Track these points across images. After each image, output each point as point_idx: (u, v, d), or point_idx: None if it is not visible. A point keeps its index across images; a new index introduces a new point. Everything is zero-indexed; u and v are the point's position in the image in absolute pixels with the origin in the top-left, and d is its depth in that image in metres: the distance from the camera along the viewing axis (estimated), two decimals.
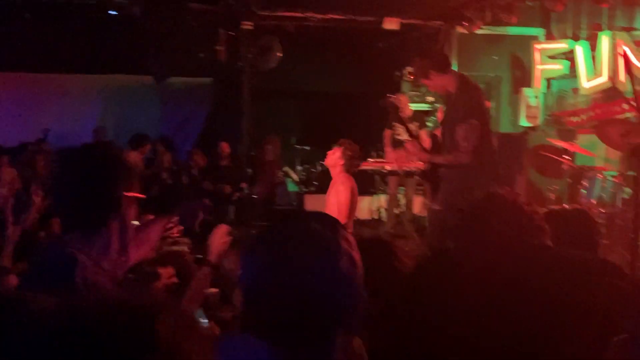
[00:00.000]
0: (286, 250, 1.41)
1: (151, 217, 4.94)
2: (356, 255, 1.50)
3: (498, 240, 1.95)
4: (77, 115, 11.38)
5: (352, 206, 5.80)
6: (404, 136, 8.75)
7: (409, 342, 1.81)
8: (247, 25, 9.74)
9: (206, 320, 4.03)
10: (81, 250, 1.88)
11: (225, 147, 10.18)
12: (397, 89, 10.29)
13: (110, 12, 9.65)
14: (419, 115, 9.18)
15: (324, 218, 1.51)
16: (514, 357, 1.72)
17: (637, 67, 8.27)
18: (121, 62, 10.44)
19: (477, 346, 1.71)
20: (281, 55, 10.04)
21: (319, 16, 9.86)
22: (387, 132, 8.96)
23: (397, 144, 8.83)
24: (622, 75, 8.44)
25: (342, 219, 5.63)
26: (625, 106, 8.82)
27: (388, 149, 9.03)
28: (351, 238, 1.52)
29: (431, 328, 1.78)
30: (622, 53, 4.28)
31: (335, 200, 5.77)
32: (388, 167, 8.80)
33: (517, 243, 1.94)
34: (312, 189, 10.97)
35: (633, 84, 2.85)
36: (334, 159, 6.11)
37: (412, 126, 8.62)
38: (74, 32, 10.06)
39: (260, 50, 9.86)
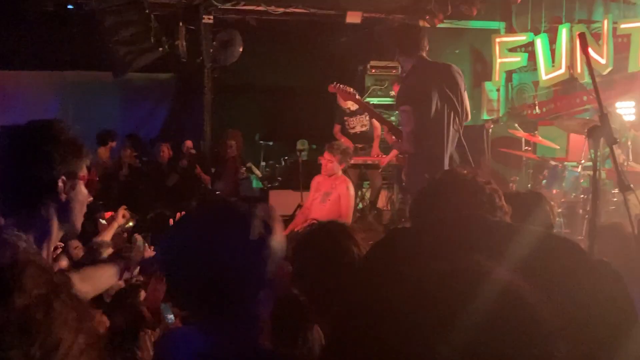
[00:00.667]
0: (196, 224, 1.54)
1: (110, 214, 4.88)
2: (274, 223, 1.56)
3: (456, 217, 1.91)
4: (34, 113, 11.11)
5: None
6: (357, 128, 8.75)
7: (365, 327, 1.75)
8: (208, 19, 9.62)
9: (172, 316, 3.95)
10: (18, 236, 1.79)
11: (190, 145, 10.08)
12: (360, 83, 10.28)
13: (68, 7, 9.47)
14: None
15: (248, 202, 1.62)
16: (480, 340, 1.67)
17: (594, 59, 8.38)
18: (79, 58, 10.25)
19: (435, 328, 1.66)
20: (242, 49, 9.95)
21: (281, 10, 9.78)
22: (336, 127, 8.94)
23: (353, 137, 8.78)
24: (580, 67, 8.55)
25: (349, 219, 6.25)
26: (585, 98, 8.94)
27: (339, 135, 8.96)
28: (274, 214, 1.59)
29: (387, 310, 1.71)
30: (579, 33, 4.29)
31: (346, 204, 6.29)
32: (352, 161, 8.76)
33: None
34: (276, 184, 10.90)
35: (591, 74, 2.84)
36: (333, 166, 6.29)
37: (363, 117, 8.64)
38: (30, 28, 9.83)
39: (221, 45, 9.75)
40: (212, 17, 9.58)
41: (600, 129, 2.63)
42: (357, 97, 7.01)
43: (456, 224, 1.82)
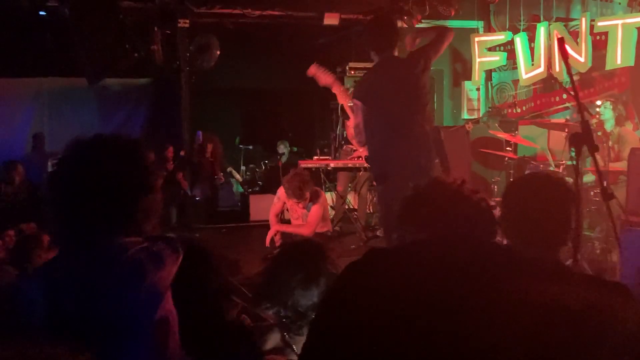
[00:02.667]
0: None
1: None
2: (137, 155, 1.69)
3: (441, 229, 1.83)
4: (10, 120, 10.97)
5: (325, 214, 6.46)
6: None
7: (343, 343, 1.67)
8: (184, 23, 9.50)
9: None
10: None
11: (171, 151, 9.96)
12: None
13: (40, 12, 9.30)
14: None
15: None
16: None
17: (572, 57, 8.37)
18: (53, 64, 10.08)
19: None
20: (220, 53, 9.84)
21: (258, 12, 9.68)
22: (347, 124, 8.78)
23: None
24: (558, 66, 8.54)
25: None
26: (565, 96, 8.94)
27: (345, 147, 8.85)
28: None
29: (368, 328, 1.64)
30: (558, 37, 4.26)
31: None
32: (332, 164, 8.68)
33: (463, 233, 1.82)
34: (257, 189, 10.82)
35: (569, 73, 2.78)
36: (305, 203, 6.23)
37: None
38: (3, 34, 9.66)
39: (198, 49, 9.64)
40: (188, 21, 9.46)
41: (582, 136, 2.57)
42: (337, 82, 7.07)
43: (440, 250, 1.75)
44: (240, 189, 11.13)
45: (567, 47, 8.36)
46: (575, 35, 8.57)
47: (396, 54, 4.98)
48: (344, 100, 8.10)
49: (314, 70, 6.54)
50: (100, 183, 1.62)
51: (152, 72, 10.56)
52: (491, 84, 10.20)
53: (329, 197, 9.73)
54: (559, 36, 7.69)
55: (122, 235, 1.63)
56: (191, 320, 1.83)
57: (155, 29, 9.19)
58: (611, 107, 7.14)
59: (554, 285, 1.66)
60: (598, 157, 2.71)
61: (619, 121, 7.17)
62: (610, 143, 7.01)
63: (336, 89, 6.72)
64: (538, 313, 1.59)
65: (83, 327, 1.51)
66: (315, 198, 6.32)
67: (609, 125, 7.02)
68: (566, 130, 6.90)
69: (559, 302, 1.58)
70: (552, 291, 1.61)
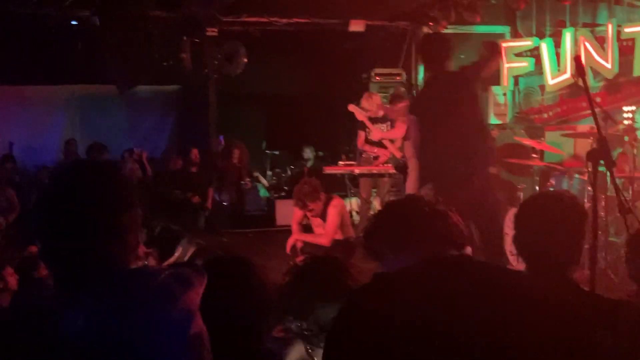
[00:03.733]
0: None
1: None
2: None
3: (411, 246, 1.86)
4: (41, 127, 11.20)
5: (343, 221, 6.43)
6: (373, 135, 8.70)
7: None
8: (212, 31, 9.66)
9: None
10: None
11: (195, 154, 10.08)
12: (365, 91, 10.25)
13: (71, 22, 9.52)
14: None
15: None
16: None
17: (598, 62, 8.34)
18: (85, 72, 10.29)
19: None
20: (247, 60, 9.97)
21: (284, 20, 9.81)
22: (360, 133, 8.84)
23: (369, 144, 8.76)
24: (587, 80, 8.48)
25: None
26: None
27: (366, 147, 8.88)
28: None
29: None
30: (575, 57, 4.30)
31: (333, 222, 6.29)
32: (357, 170, 8.75)
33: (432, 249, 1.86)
34: (283, 194, 10.90)
35: (586, 88, 2.81)
36: (320, 208, 6.27)
37: (384, 126, 8.59)
38: (35, 43, 9.88)
39: (226, 56, 9.79)
40: (216, 29, 9.61)
41: (599, 152, 2.61)
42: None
43: (446, 272, 1.80)
44: (267, 194, 11.24)
45: (593, 53, 8.35)
46: (601, 41, 8.52)
47: (450, 68, 5.02)
48: (364, 117, 8.24)
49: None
50: (82, 204, 1.68)
51: (181, 79, 10.73)
52: (518, 89, 10.18)
53: (355, 202, 9.80)
54: (575, 54, 7.66)
55: (112, 251, 1.70)
56: (225, 338, 1.89)
57: (184, 37, 9.35)
58: None
59: (558, 304, 1.70)
60: (627, 167, 2.74)
61: None
62: None
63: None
64: (549, 332, 1.64)
65: (122, 355, 1.58)
66: (329, 206, 6.29)
67: None
68: (591, 139, 6.88)
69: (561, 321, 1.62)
70: (555, 310, 1.65)
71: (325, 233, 6.30)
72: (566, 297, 1.87)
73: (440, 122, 4.79)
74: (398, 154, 8.38)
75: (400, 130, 7.93)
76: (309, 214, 6.33)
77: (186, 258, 5.25)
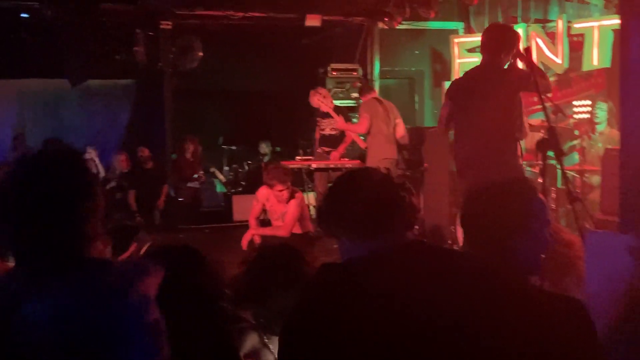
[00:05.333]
0: None
1: None
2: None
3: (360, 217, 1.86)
4: None
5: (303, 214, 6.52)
6: (327, 130, 8.75)
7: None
8: (166, 24, 9.55)
9: None
10: None
11: (145, 151, 9.98)
12: (321, 86, 10.29)
13: (22, 14, 9.31)
14: (344, 111, 9.20)
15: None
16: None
17: (549, 58, 8.52)
18: (36, 65, 10.06)
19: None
20: (203, 54, 9.90)
21: (240, 14, 9.76)
22: (316, 129, 8.89)
23: (322, 139, 8.80)
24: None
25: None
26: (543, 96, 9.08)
27: (317, 149, 8.95)
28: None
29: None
30: (524, 48, 4.34)
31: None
32: (314, 165, 8.77)
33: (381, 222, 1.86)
34: (240, 189, 10.87)
35: (536, 81, 2.88)
36: (286, 194, 6.30)
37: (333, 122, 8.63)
38: None
39: (181, 50, 9.70)
40: (170, 23, 9.52)
41: (548, 142, 2.68)
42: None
43: (390, 260, 1.81)
44: (224, 189, 11.19)
45: (544, 48, 8.53)
46: (552, 36, 8.71)
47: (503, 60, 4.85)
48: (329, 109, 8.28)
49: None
50: (44, 193, 1.68)
51: (135, 73, 10.58)
52: None
53: (312, 197, 9.82)
54: (525, 47, 7.79)
55: (70, 240, 1.70)
56: (182, 326, 1.89)
57: (138, 30, 9.23)
58: (606, 108, 7.24)
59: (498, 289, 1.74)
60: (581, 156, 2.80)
61: (610, 121, 7.28)
62: (600, 144, 7.15)
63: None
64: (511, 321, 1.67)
65: (83, 343, 1.58)
66: (292, 197, 6.38)
67: (602, 126, 7.13)
68: (541, 132, 7.03)
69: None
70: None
71: (284, 225, 6.31)
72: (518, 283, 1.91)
73: (476, 110, 4.67)
74: (362, 144, 8.45)
75: (364, 124, 7.95)
76: (284, 195, 6.29)
77: (141, 253, 5.21)
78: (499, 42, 4.82)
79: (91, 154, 9.42)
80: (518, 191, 2.11)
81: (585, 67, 8.43)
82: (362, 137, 8.45)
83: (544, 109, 2.83)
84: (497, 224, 2.04)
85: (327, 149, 8.77)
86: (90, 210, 1.71)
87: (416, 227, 1.94)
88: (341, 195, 1.92)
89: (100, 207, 1.75)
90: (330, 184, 2.14)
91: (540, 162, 6.74)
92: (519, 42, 5.00)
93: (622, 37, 2.68)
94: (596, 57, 8.35)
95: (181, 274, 1.98)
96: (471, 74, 4.98)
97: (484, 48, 4.95)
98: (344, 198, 1.90)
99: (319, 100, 8.44)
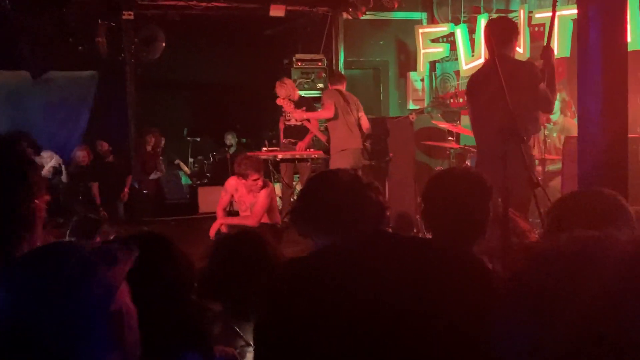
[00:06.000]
0: None
1: None
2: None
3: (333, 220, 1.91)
4: None
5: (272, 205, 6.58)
6: (293, 121, 8.75)
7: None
8: (128, 15, 9.43)
9: None
10: None
11: (104, 145, 9.87)
12: (286, 77, 10.28)
13: None
14: (308, 101, 9.21)
15: None
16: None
17: None
18: None
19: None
20: (166, 45, 9.81)
21: (203, 4, 9.67)
22: (281, 119, 8.90)
23: (288, 130, 8.80)
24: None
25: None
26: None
27: (282, 139, 8.96)
28: None
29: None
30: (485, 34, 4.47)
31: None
32: (280, 156, 8.78)
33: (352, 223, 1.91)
34: (205, 181, 10.83)
35: (497, 67, 2.93)
36: (259, 184, 6.29)
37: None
38: None
39: (143, 41, 9.59)
40: (132, 13, 9.40)
41: (508, 129, 2.72)
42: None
43: (353, 252, 1.85)
44: (188, 181, 11.13)
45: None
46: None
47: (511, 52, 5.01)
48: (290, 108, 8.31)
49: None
50: None
51: (97, 64, 10.44)
52: (435, 74, 10.42)
53: (278, 188, 9.83)
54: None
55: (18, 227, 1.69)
56: (151, 314, 1.89)
57: (99, 21, 9.11)
58: (559, 97, 7.36)
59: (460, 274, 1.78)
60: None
61: (563, 110, 7.40)
62: (555, 134, 7.28)
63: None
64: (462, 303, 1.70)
65: (43, 331, 1.57)
66: (265, 187, 6.40)
67: (556, 116, 7.25)
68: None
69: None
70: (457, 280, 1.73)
71: (253, 214, 6.30)
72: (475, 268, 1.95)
73: (487, 102, 4.70)
74: (322, 137, 8.48)
75: (330, 109, 7.97)
76: (258, 184, 6.29)
77: None
78: (500, 34, 4.97)
79: (51, 158, 9.30)
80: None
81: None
82: (324, 132, 8.50)
83: (505, 96, 2.87)
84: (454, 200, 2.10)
85: (292, 140, 8.78)
86: (25, 196, 1.70)
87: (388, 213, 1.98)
88: (312, 197, 1.98)
89: (39, 195, 1.73)
90: (302, 182, 2.23)
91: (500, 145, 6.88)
92: (517, 30, 5.18)
93: (580, 27, 2.74)
94: (556, 46, 8.47)
95: (148, 261, 1.97)
96: (482, 70, 5.09)
97: (488, 43, 5.12)
98: (314, 200, 1.95)
99: (282, 96, 8.46)
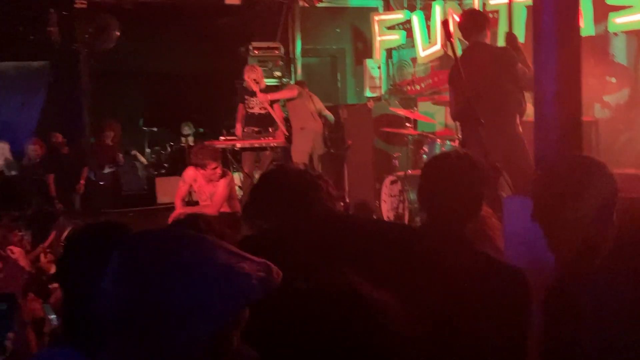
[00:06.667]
0: None
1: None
2: None
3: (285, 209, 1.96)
4: None
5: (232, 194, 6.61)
6: (256, 109, 8.71)
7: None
8: (81, 4, 9.25)
9: (54, 316, 3.90)
10: None
11: (59, 137, 9.69)
12: (243, 65, 10.21)
13: None
14: (272, 89, 9.20)
15: None
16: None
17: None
18: None
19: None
20: (121, 34, 9.66)
21: None
22: (240, 106, 8.82)
23: (250, 118, 8.75)
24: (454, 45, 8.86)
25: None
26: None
27: (238, 125, 8.89)
28: None
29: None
30: (442, 21, 4.61)
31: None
32: (239, 145, 8.72)
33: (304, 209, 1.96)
34: (163, 171, 10.73)
35: (454, 52, 2.97)
36: (218, 173, 6.26)
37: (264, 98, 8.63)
38: None
39: (97, 30, 9.43)
40: (85, 2, 9.22)
41: (465, 112, 2.77)
42: None
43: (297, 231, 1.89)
44: (146, 172, 11.02)
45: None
46: None
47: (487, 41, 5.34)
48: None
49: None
50: None
51: (50, 54, 10.23)
52: (392, 62, 10.47)
53: (238, 177, 9.79)
54: (442, 19, 8.04)
55: None
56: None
57: (52, 10, 8.91)
58: None
59: (452, 257, 1.82)
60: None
61: None
62: None
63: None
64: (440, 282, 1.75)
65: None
66: (224, 176, 6.39)
67: None
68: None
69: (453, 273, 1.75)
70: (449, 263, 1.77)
71: (212, 203, 6.28)
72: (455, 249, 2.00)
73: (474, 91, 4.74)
74: (282, 126, 8.48)
75: (293, 89, 8.09)
76: (217, 172, 6.26)
77: (63, 238, 5.09)
78: (471, 22, 5.28)
79: (2, 150, 9.11)
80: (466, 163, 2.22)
81: (500, 43, 8.65)
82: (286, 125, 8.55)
83: (462, 80, 2.92)
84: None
85: (256, 129, 8.73)
86: None
87: (341, 203, 2.05)
88: (262, 192, 2.03)
89: None
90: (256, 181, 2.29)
91: (457, 130, 6.96)
92: (488, 19, 5.59)
93: (535, 11, 2.79)
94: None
95: (107, 249, 1.95)
96: (462, 58, 5.18)
97: (465, 32, 5.34)
98: (264, 195, 2.01)
99: (250, 79, 8.44)
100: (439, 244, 1.92)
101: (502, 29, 8.62)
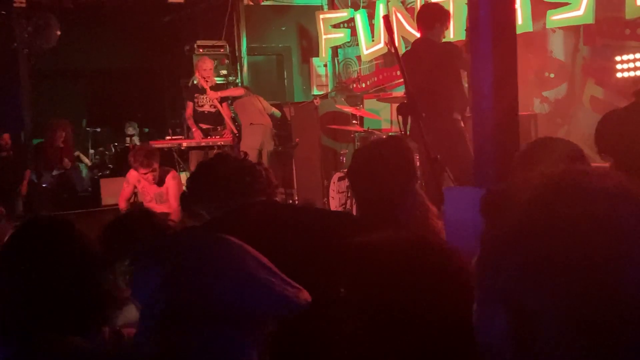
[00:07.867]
0: None
1: None
2: None
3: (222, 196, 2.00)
4: None
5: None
6: (206, 107, 8.67)
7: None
8: (19, 2, 9.04)
9: None
10: None
11: (7, 138, 9.45)
12: (188, 63, 10.13)
13: None
14: (222, 87, 9.18)
15: None
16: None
17: (409, 32, 8.85)
18: None
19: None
20: (61, 33, 9.47)
21: None
22: (189, 105, 8.76)
23: (200, 116, 8.71)
24: (397, 42, 8.97)
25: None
26: None
27: (191, 122, 8.81)
28: None
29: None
30: (383, 16, 4.74)
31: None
32: (185, 144, 8.66)
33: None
34: (107, 172, 10.56)
35: (395, 50, 3.02)
36: (159, 172, 6.21)
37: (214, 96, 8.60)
38: None
39: (37, 29, 9.22)
40: (24, 0, 9.01)
41: (408, 106, 2.82)
42: None
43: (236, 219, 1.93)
44: (90, 173, 10.83)
45: (404, 22, 8.82)
46: (412, 11, 9.01)
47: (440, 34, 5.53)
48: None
49: None
50: None
51: None
52: (337, 60, 10.55)
53: (184, 177, 9.70)
54: (384, 14, 8.17)
55: None
56: (57, 294, 1.86)
57: None
58: None
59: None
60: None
61: None
62: None
63: None
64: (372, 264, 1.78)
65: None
66: (167, 176, 6.34)
67: None
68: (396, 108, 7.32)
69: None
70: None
71: (169, 205, 6.26)
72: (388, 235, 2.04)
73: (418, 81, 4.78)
74: (230, 124, 8.47)
75: (239, 89, 8.11)
76: (148, 177, 6.21)
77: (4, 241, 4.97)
78: (431, 16, 5.49)
79: None
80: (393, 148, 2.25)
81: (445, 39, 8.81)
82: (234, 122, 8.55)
83: (404, 75, 2.97)
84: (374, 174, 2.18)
85: (205, 127, 8.69)
86: None
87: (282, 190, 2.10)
88: (200, 179, 2.06)
89: None
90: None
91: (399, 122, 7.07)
92: (449, 16, 5.80)
93: (470, 7, 2.86)
94: (451, 29, 8.74)
95: (52, 243, 1.94)
96: (413, 46, 5.41)
97: (419, 23, 5.58)
98: (202, 182, 2.04)
99: (203, 72, 8.44)
100: (372, 228, 1.96)
101: None
